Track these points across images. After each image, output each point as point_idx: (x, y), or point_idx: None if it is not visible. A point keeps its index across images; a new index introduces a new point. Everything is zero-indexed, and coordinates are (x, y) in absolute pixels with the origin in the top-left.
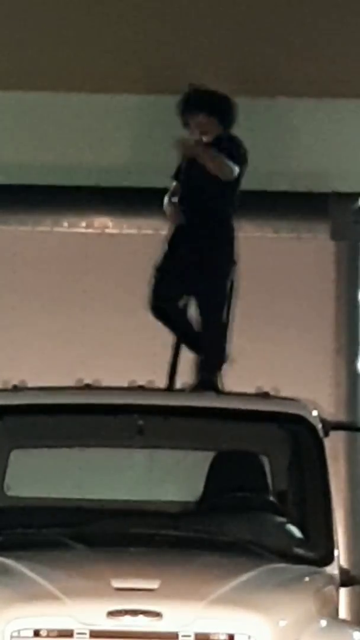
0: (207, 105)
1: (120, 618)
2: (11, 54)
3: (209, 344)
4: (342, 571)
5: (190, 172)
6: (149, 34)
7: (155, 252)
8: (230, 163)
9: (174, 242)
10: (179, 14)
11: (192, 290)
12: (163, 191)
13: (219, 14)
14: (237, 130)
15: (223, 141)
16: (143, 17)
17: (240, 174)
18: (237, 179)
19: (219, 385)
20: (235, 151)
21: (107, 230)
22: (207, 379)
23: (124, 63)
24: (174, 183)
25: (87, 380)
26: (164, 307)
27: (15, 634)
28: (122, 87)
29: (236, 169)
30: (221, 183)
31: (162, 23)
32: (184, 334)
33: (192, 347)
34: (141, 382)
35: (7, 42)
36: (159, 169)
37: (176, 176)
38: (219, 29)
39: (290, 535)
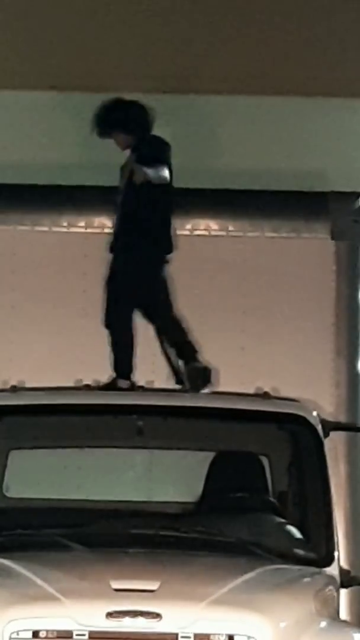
0: (119, 125)
1: (120, 619)
2: (11, 54)
3: (176, 343)
4: (342, 572)
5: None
6: (149, 35)
7: None
8: (160, 170)
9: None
10: (179, 14)
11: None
12: None
13: (218, 14)
14: (237, 130)
15: (143, 147)
16: (142, 17)
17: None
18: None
19: (207, 375)
20: (158, 154)
21: (106, 230)
22: (194, 368)
23: (124, 62)
24: None
25: (87, 381)
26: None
27: (14, 635)
28: (123, 87)
29: (165, 171)
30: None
31: (162, 23)
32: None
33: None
34: (141, 382)
35: (8, 42)
36: None
37: None
38: (219, 28)
39: (290, 536)
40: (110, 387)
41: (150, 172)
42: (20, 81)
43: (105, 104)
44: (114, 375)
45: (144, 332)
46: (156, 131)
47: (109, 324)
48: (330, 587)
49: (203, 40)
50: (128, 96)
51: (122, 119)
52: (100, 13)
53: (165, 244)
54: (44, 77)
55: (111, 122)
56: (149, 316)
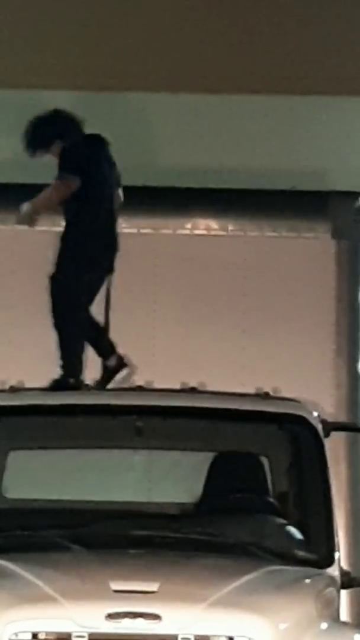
0: (45, 142)
1: (119, 620)
2: (11, 53)
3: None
4: (343, 573)
5: None
6: (146, 35)
7: (154, 251)
8: (63, 180)
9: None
10: (179, 14)
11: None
12: (162, 190)
13: (217, 14)
14: (238, 129)
15: (61, 158)
16: (141, 16)
17: (90, 174)
18: (101, 174)
19: (121, 368)
20: (66, 162)
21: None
22: (108, 365)
23: (123, 61)
24: None
25: (87, 381)
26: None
27: (13, 636)
28: (123, 85)
29: (71, 179)
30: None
31: (161, 23)
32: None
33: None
34: (140, 382)
35: (7, 42)
36: (158, 168)
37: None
38: (219, 28)
39: (291, 537)
40: (58, 386)
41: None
42: (20, 81)
43: (29, 125)
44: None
45: (143, 331)
46: (157, 130)
47: (58, 324)
48: (331, 589)
49: (203, 39)
50: (128, 94)
51: (57, 131)
52: (103, 13)
53: (108, 242)
54: (44, 75)
55: (46, 138)
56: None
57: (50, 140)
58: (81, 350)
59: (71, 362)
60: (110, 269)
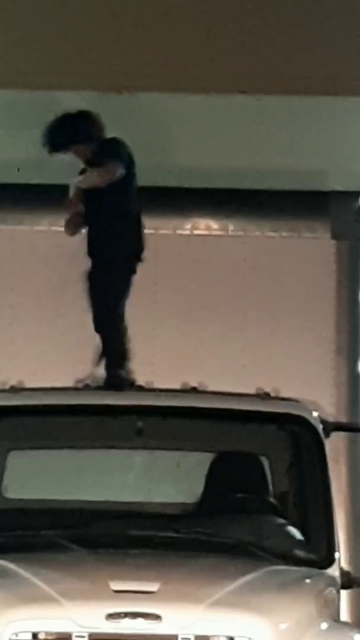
0: (72, 140)
1: (120, 621)
2: (11, 53)
3: (110, 343)
4: (343, 573)
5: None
6: (148, 35)
7: (154, 251)
8: (113, 164)
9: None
10: (178, 14)
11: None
12: (162, 190)
13: (217, 13)
14: (237, 130)
15: (101, 149)
16: (140, 16)
17: (130, 171)
18: (130, 177)
19: (128, 381)
20: (115, 151)
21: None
22: (116, 375)
23: (126, 61)
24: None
25: (86, 381)
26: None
27: (13, 636)
28: (123, 86)
29: (119, 165)
30: (114, 185)
31: (160, 23)
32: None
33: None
34: (140, 382)
35: (7, 42)
36: (158, 168)
37: None
38: (218, 28)
39: (291, 537)
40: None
41: (88, 177)
42: (20, 81)
43: (54, 122)
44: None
45: (143, 331)
46: (158, 131)
47: (100, 328)
48: (331, 589)
49: (202, 39)
50: (128, 95)
51: (86, 134)
52: (103, 13)
53: (134, 244)
54: (43, 75)
55: (75, 137)
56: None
57: (75, 141)
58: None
59: (118, 362)
60: (133, 271)
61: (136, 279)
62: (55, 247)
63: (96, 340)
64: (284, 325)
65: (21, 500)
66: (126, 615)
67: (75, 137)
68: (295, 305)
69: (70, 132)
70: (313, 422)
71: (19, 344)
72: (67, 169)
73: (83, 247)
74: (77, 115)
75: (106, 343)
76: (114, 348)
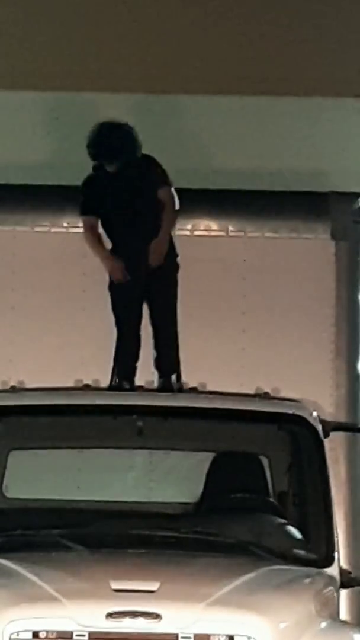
0: (117, 156)
1: (120, 620)
2: (12, 54)
3: (164, 348)
4: (343, 572)
5: (116, 199)
6: (147, 36)
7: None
8: (173, 197)
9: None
10: (179, 14)
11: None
12: None
13: (217, 14)
14: (237, 130)
15: (147, 168)
16: (141, 18)
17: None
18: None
19: (176, 386)
20: (164, 176)
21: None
22: (166, 380)
23: (123, 63)
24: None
25: (87, 381)
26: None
27: (14, 635)
28: (124, 86)
29: (175, 196)
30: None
31: (160, 23)
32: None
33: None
34: (140, 382)
35: (8, 42)
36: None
37: (84, 211)
38: (218, 28)
39: (291, 536)
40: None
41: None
42: (20, 81)
43: (101, 129)
44: (116, 378)
45: (143, 332)
46: (156, 131)
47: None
48: (330, 588)
49: (202, 40)
50: (129, 95)
51: (131, 148)
52: (100, 14)
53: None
54: (43, 76)
55: (123, 151)
56: (154, 314)
57: (124, 155)
58: (134, 354)
59: (126, 366)
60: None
61: None
62: (55, 248)
63: (96, 340)
64: (284, 325)
65: (22, 499)
66: (126, 614)
67: (133, 150)
68: (295, 306)
69: (128, 145)
70: (313, 422)
71: (19, 344)
72: (68, 168)
73: (82, 248)
74: (127, 127)
75: (163, 349)
76: (169, 354)
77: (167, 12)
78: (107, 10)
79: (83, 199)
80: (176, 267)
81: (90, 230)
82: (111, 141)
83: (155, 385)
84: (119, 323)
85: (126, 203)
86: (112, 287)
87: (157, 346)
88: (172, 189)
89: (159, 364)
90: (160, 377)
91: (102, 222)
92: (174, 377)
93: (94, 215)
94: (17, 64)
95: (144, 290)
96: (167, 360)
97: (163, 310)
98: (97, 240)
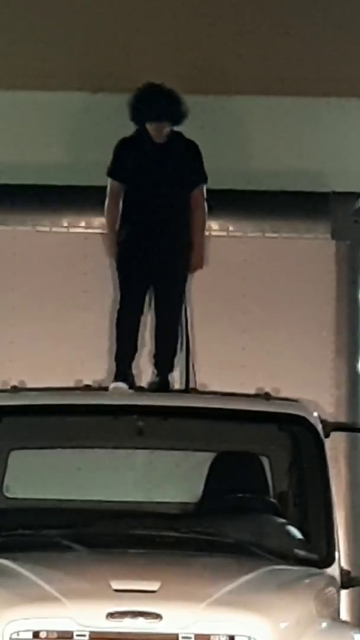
0: (168, 116)
1: (120, 620)
2: (12, 54)
3: (163, 345)
4: (343, 572)
5: (145, 176)
6: (154, 36)
7: None
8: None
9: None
10: (180, 14)
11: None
12: None
13: (218, 15)
14: (237, 130)
15: (187, 148)
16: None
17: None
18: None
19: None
20: (201, 161)
21: (106, 230)
22: (162, 378)
23: (128, 63)
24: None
25: (87, 381)
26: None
27: (14, 635)
28: (124, 87)
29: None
30: (183, 192)
31: (164, 24)
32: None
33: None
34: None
35: (9, 42)
36: None
37: (113, 174)
38: (219, 29)
39: (291, 536)
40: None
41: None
42: (20, 81)
43: (158, 89)
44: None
45: (144, 332)
46: None
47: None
48: (331, 588)
49: (204, 41)
50: (127, 96)
51: (179, 113)
52: (107, 13)
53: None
54: (43, 76)
55: (172, 113)
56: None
57: (170, 118)
58: (131, 353)
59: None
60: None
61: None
62: (56, 247)
63: (96, 340)
64: (284, 326)
65: (22, 499)
66: (127, 614)
67: (179, 116)
68: (295, 305)
69: (175, 109)
70: (313, 422)
71: (20, 344)
72: (69, 169)
73: (82, 247)
74: (175, 92)
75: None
76: (168, 351)
77: (167, 12)
78: (107, 10)
79: (114, 159)
80: (186, 264)
81: (113, 196)
82: (158, 100)
83: (150, 380)
84: (120, 305)
85: (159, 181)
86: (120, 270)
87: (157, 340)
88: (205, 188)
89: (156, 359)
90: (157, 374)
91: (125, 192)
92: (170, 375)
93: (121, 181)
94: (17, 64)
95: (151, 282)
96: (165, 358)
97: (167, 305)
98: (114, 210)
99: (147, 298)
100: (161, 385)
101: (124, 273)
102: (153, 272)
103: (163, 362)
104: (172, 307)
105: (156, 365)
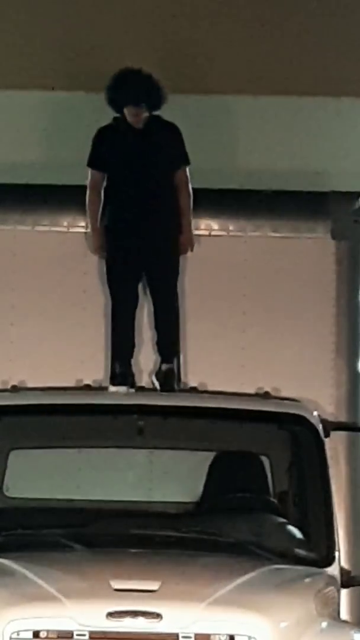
0: (146, 99)
1: (120, 619)
2: (12, 54)
3: (164, 329)
4: (343, 572)
5: (126, 162)
6: (149, 36)
7: None
8: (188, 178)
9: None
10: (180, 14)
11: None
12: None
13: (218, 14)
14: (236, 130)
15: (167, 131)
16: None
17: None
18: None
19: (175, 380)
20: (182, 142)
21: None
22: (168, 365)
23: (123, 61)
24: (92, 173)
25: (87, 381)
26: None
27: (14, 635)
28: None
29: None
30: (167, 175)
31: (162, 23)
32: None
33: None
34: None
35: (8, 42)
36: None
37: (93, 164)
38: (219, 28)
39: (291, 536)
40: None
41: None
42: (20, 81)
43: (136, 74)
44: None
45: (144, 332)
46: None
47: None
48: (331, 588)
49: (202, 40)
50: None
51: (156, 98)
52: (102, 12)
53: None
54: (43, 76)
55: (148, 97)
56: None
57: (149, 100)
58: (129, 350)
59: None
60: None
61: None
62: (56, 247)
63: (96, 340)
64: (284, 325)
65: (22, 499)
66: (127, 614)
67: (158, 99)
68: (295, 305)
69: (153, 92)
70: (313, 421)
71: (20, 344)
72: (68, 168)
73: (82, 247)
74: (152, 76)
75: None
76: (170, 334)
77: (167, 12)
78: (108, 10)
79: (94, 149)
80: (176, 246)
81: (95, 187)
82: (136, 84)
83: (156, 369)
84: (113, 300)
85: (141, 166)
86: (108, 263)
87: (157, 327)
88: (188, 169)
89: (159, 346)
90: (161, 361)
91: (107, 182)
92: (175, 362)
93: (102, 171)
94: (17, 64)
95: (142, 270)
96: (168, 341)
97: (163, 290)
98: (96, 202)
99: (141, 288)
100: (168, 372)
101: (113, 265)
102: (144, 258)
103: (167, 347)
104: (168, 292)
105: (160, 351)
